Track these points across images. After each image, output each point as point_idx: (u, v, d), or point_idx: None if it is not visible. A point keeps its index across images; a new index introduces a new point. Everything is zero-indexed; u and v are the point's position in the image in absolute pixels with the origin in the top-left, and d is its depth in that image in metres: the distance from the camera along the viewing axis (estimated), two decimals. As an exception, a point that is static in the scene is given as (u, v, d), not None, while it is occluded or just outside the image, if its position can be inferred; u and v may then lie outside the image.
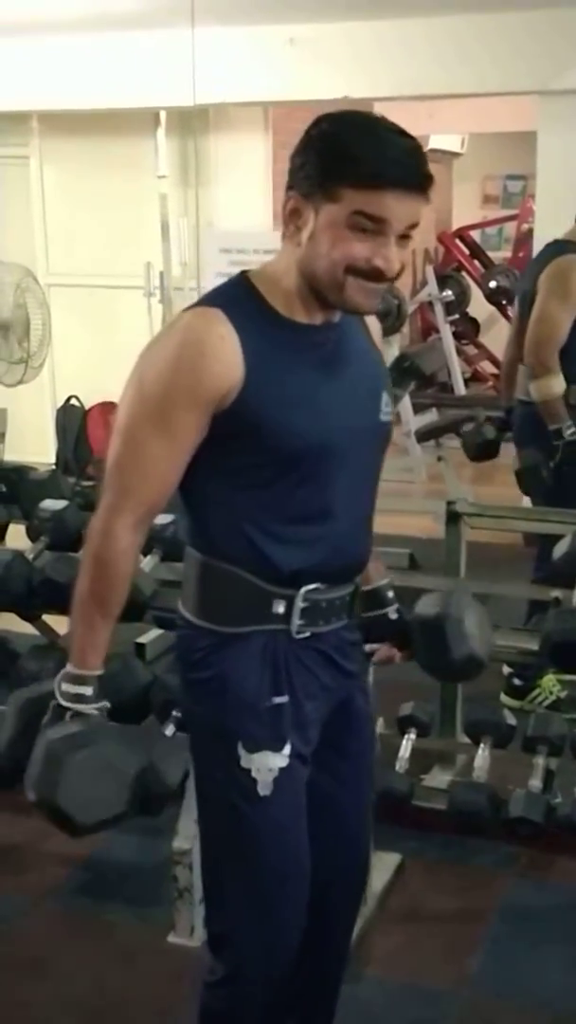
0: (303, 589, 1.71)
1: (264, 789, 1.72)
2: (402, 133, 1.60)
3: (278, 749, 1.72)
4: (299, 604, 1.71)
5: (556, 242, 3.83)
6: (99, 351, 6.74)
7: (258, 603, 1.71)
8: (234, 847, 1.76)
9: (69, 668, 1.73)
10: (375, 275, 1.61)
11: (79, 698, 1.73)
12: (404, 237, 1.62)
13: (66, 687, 1.73)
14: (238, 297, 1.67)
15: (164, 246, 6.35)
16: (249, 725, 1.71)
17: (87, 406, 6.97)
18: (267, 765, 1.72)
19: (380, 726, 2.97)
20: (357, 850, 1.98)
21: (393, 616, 2.00)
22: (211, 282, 4.94)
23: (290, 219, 1.63)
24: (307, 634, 1.74)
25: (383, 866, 2.92)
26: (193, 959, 2.62)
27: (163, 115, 6.36)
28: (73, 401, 7.00)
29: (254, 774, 1.71)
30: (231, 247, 5.20)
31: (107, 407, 6.89)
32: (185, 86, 5.16)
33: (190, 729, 1.86)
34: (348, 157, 1.56)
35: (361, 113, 1.65)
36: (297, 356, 1.68)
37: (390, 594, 2.00)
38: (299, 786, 1.77)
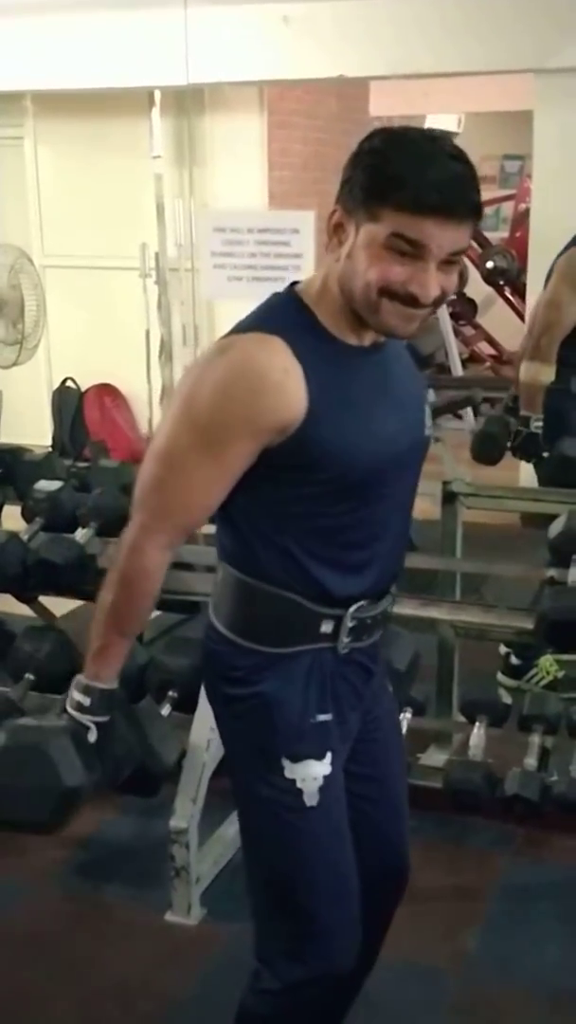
0: (351, 609, 1.70)
1: (311, 799, 1.70)
2: (455, 157, 1.54)
3: (321, 757, 1.72)
4: (348, 624, 1.71)
5: None
6: (95, 333, 6.72)
7: (307, 624, 1.69)
8: (285, 861, 1.74)
9: (79, 676, 1.75)
10: (410, 300, 1.56)
11: (79, 707, 1.75)
12: (449, 263, 1.56)
13: (72, 692, 1.76)
14: (294, 319, 1.62)
15: (159, 227, 6.32)
16: (292, 742, 1.70)
17: (83, 388, 6.95)
18: (312, 774, 1.70)
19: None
20: (394, 847, 1.96)
21: None
22: (204, 262, 4.92)
23: (334, 233, 1.60)
24: (349, 650, 1.73)
25: (380, 845, 2.92)
26: (190, 937, 2.64)
27: (158, 95, 6.32)
28: (69, 383, 6.99)
29: (299, 784, 1.70)
30: (225, 226, 5.17)
31: (103, 389, 6.88)
32: (179, 66, 5.14)
33: (228, 745, 1.82)
34: (392, 178, 1.51)
35: (416, 132, 1.60)
36: (354, 381, 1.64)
37: None
38: (341, 793, 1.77)
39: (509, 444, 3.70)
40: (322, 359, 1.59)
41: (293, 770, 1.69)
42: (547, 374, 3.62)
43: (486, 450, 3.80)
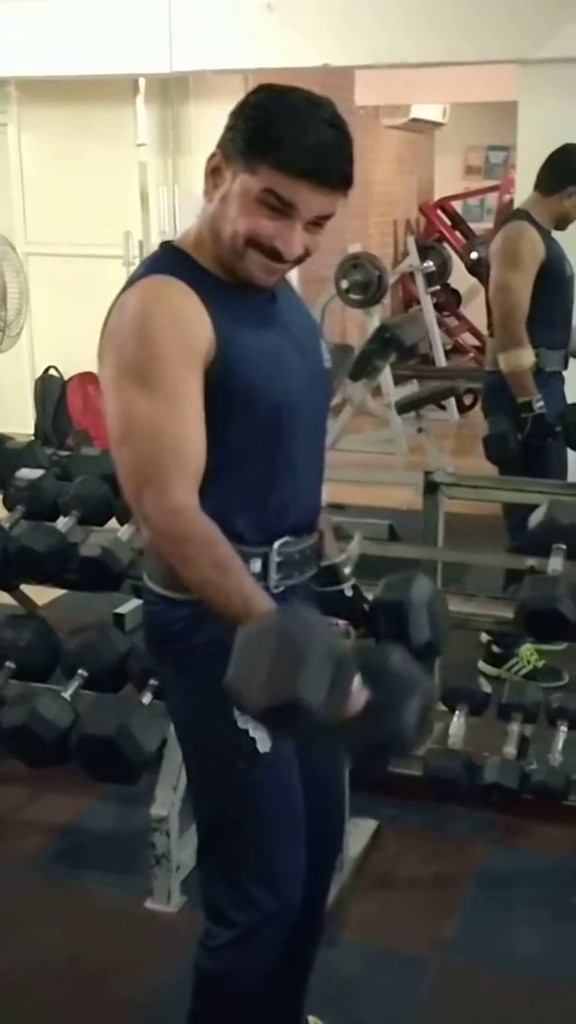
0: (276, 544, 1.73)
1: (263, 745, 1.72)
2: (333, 124, 1.59)
3: None
4: (274, 559, 1.73)
5: (509, 212, 3.82)
6: (78, 321, 6.64)
7: None
8: (245, 808, 1.77)
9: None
10: (274, 254, 1.62)
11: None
12: (316, 224, 1.63)
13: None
14: (180, 265, 1.66)
15: (144, 215, 6.31)
16: None
17: (66, 376, 6.94)
18: None
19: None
20: (331, 807, 2.00)
21: (348, 593, 1.97)
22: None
23: (211, 176, 1.65)
24: (283, 588, 1.75)
25: (359, 833, 2.94)
26: (171, 924, 2.65)
27: (142, 83, 6.30)
28: (52, 371, 6.97)
29: (252, 733, 1.71)
30: (208, 215, 5.18)
31: (86, 377, 6.86)
32: (163, 53, 5.12)
33: (176, 703, 1.84)
34: (272, 137, 1.57)
35: (301, 94, 1.62)
36: (245, 315, 1.67)
37: (346, 571, 1.99)
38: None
39: (520, 436, 3.66)
40: (211, 295, 1.63)
41: (245, 720, 1.70)
42: (527, 356, 3.61)
43: (502, 449, 3.71)
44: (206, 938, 1.85)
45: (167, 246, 1.73)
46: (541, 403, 3.60)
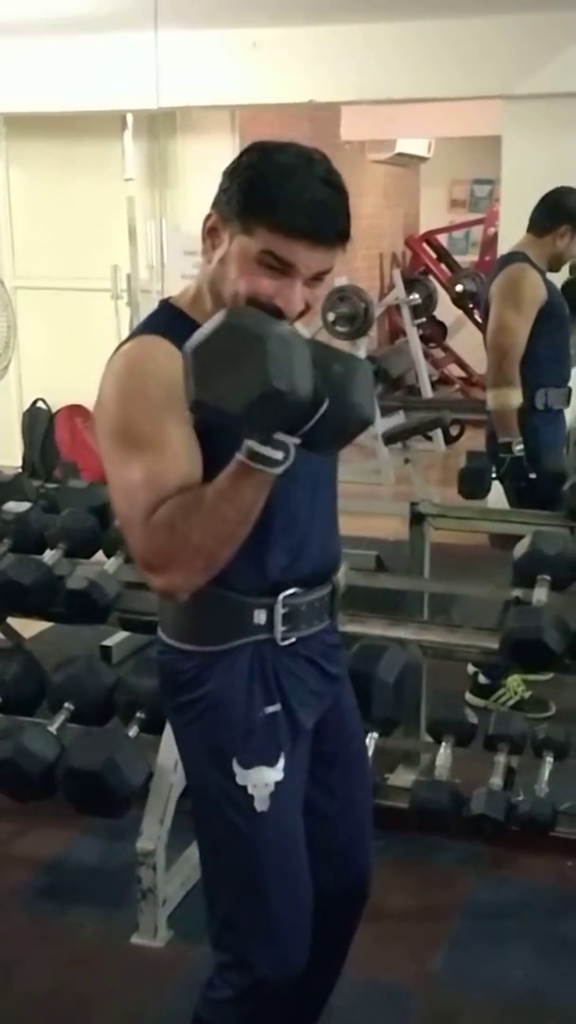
0: (281, 595, 1.72)
1: (261, 805, 1.72)
2: (328, 181, 1.60)
3: (273, 763, 1.73)
4: (279, 611, 1.72)
5: (507, 254, 3.89)
6: (66, 354, 6.71)
7: (239, 616, 1.71)
8: (237, 866, 1.76)
9: (259, 467, 1.50)
10: (276, 312, 1.61)
11: (283, 448, 1.51)
12: (316, 279, 1.64)
13: (265, 452, 1.49)
14: (171, 323, 1.67)
15: (131, 248, 6.34)
16: (244, 740, 1.72)
17: (54, 409, 6.95)
18: (263, 780, 1.72)
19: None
20: (353, 865, 1.97)
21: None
22: (175, 284, 4.94)
23: (208, 236, 1.66)
24: (292, 640, 1.74)
25: (347, 865, 2.93)
26: (157, 959, 2.63)
27: (130, 118, 6.35)
28: (40, 404, 6.98)
29: (251, 790, 1.71)
30: (196, 250, 5.19)
31: (74, 410, 6.88)
32: (149, 89, 5.17)
33: (182, 753, 1.84)
34: (267, 199, 1.57)
35: (293, 151, 1.63)
36: None
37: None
38: (296, 800, 1.78)
39: (495, 474, 3.72)
40: None
41: (245, 776, 1.71)
42: (516, 397, 3.66)
43: (474, 485, 3.81)
44: (208, 986, 1.84)
45: (164, 304, 1.74)
46: (521, 446, 3.67)
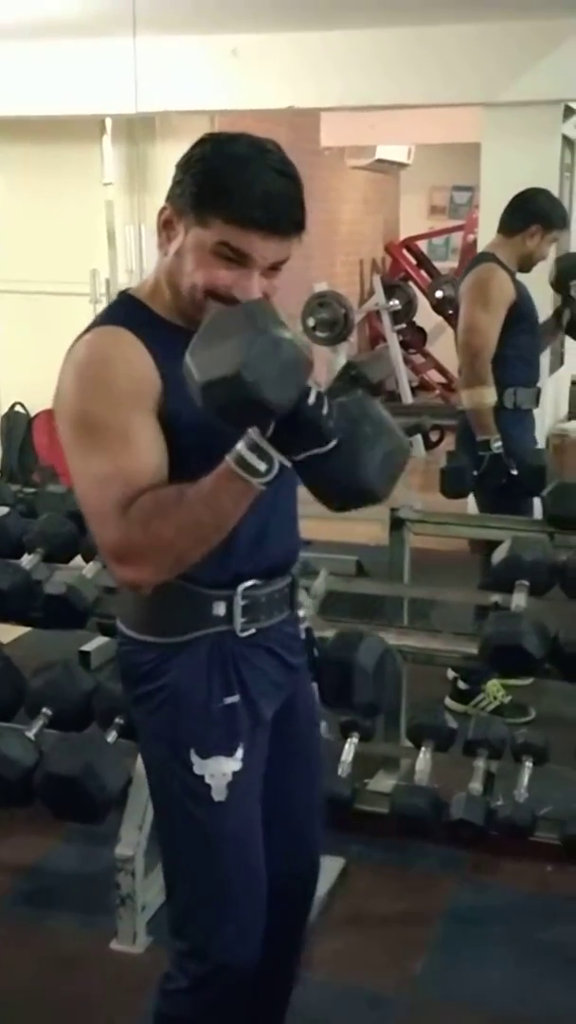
0: (240, 587, 1.72)
1: (218, 795, 1.72)
2: (282, 172, 1.61)
3: (231, 753, 1.73)
4: (239, 602, 1.73)
5: (477, 255, 3.91)
6: (45, 358, 6.63)
7: (199, 607, 1.72)
8: (194, 855, 1.77)
9: (248, 479, 1.51)
10: (232, 303, 1.62)
11: (267, 460, 1.52)
12: (273, 268, 1.65)
13: (253, 463, 1.51)
14: (130, 314, 1.68)
15: (110, 253, 6.34)
16: (202, 730, 1.72)
17: (32, 413, 6.93)
18: (220, 770, 1.73)
19: (324, 730, 2.98)
20: (304, 851, 1.99)
21: (301, 636, 1.91)
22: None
23: (163, 228, 1.66)
24: (252, 631, 1.74)
25: (327, 871, 2.90)
26: (136, 965, 2.62)
27: (109, 123, 6.35)
28: (18, 408, 6.96)
29: (208, 780, 1.72)
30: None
31: (52, 413, 6.84)
32: (128, 94, 5.16)
33: (142, 744, 1.85)
34: (222, 190, 1.58)
35: (246, 141, 1.63)
36: None
37: (300, 613, 1.92)
38: (254, 789, 1.79)
39: (476, 472, 3.73)
40: (162, 343, 1.64)
41: (203, 766, 1.72)
42: (490, 395, 3.69)
43: (456, 484, 3.81)
44: (164, 980, 1.85)
45: (123, 295, 1.75)
46: (499, 444, 3.68)
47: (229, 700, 1.73)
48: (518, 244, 3.75)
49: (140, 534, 1.57)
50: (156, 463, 1.61)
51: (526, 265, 3.80)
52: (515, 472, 3.69)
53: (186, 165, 1.63)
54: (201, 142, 1.65)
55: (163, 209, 1.66)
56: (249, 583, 1.73)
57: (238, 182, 1.58)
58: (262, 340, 1.44)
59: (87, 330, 1.69)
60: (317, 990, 2.51)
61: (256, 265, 1.62)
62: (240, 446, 1.51)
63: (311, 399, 1.54)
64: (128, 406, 1.60)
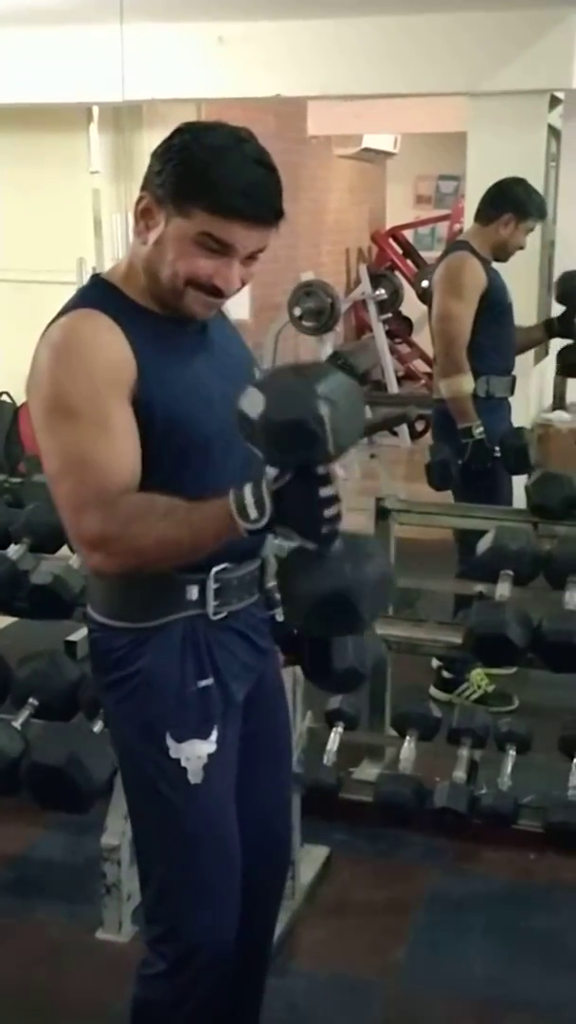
0: (213, 570, 1.73)
1: (194, 777, 1.74)
2: (260, 161, 1.63)
3: (206, 736, 1.75)
4: (211, 585, 1.74)
5: (451, 243, 3.91)
6: (31, 347, 6.62)
7: (172, 592, 1.73)
8: (170, 838, 1.78)
9: (236, 522, 1.53)
10: (214, 291, 1.66)
11: (261, 509, 1.53)
12: (251, 257, 1.67)
13: (250, 511, 1.53)
14: (105, 297, 1.69)
15: (97, 242, 6.32)
16: (177, 713, 1.73)
17: (18, 402, 6.91)
18: (196, 753, 1.74)
19: (308, 719, 2.99)
20: (274, 831, 2.00)
21: (279, 618, 1.93)
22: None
23: (141, 217, 1.67)
24: (223, 614, 1.76)
25: (311, 859, 2.94)
26: (122, 954, 2.63)
27: (95, 111, 6.32)
28: (4, 397, 6.94)
29: (183, 763, 1.73)
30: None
31: (38, 403, 6.84)
32: (115, 82, 5.14)
33: (114, 730, 1.86)
34: (203, 181, 1.60)
35: (224, 131, 1.65)
36: (171, 346, 1.70)
37: (277, 596, 1.97)
38: (228, 771, 1.80)
39: (460, 461, 3.74)
40: (136, 328, 1.65)
41: (178, 750, 1.73)
42: (468, 383, 3.71)
43: (442, 476, 3.81)
44: (141, 966, 1.87)
45: (96, 279, 1.76)
46: (481, 429, 3.70)
47: (203, 683, 1.74)
48: (492, 232, 3.77)
49: (118, 531, 1.59)
50: (131, 451, 1.63)
51: (501, 254, 3.81)
52: (498, 454, 3.70)
53: (166, 155, 1.64)
54: (179, 132, 1.66)
55: (141, 198, 1.66)
56: (221, 566, 1.73)
57: (220, 173, 1.59)
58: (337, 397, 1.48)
59: (61, 313, 1.69)
60: (300, 978, 2.53)
61: (237, 254, 1.64)
62: (247, 490, 1.52)
63: (279, 617, 1.75)
64: (106, 392, 1.61)
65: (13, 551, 3.08)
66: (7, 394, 6.93)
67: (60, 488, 1.65)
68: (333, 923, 2.79)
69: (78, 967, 2.63)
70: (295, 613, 1.61)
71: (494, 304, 3.74)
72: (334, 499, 1.54)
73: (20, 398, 6.89)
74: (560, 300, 4.39)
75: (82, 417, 1.61)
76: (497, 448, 3.71)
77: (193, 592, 1.73)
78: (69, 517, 1.65)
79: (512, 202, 3.76)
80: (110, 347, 1.62)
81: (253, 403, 1.49)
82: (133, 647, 1.73)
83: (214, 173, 1.59)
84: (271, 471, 1.53)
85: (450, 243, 3.99)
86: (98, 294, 1.71)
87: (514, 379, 3.91)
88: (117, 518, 1.59)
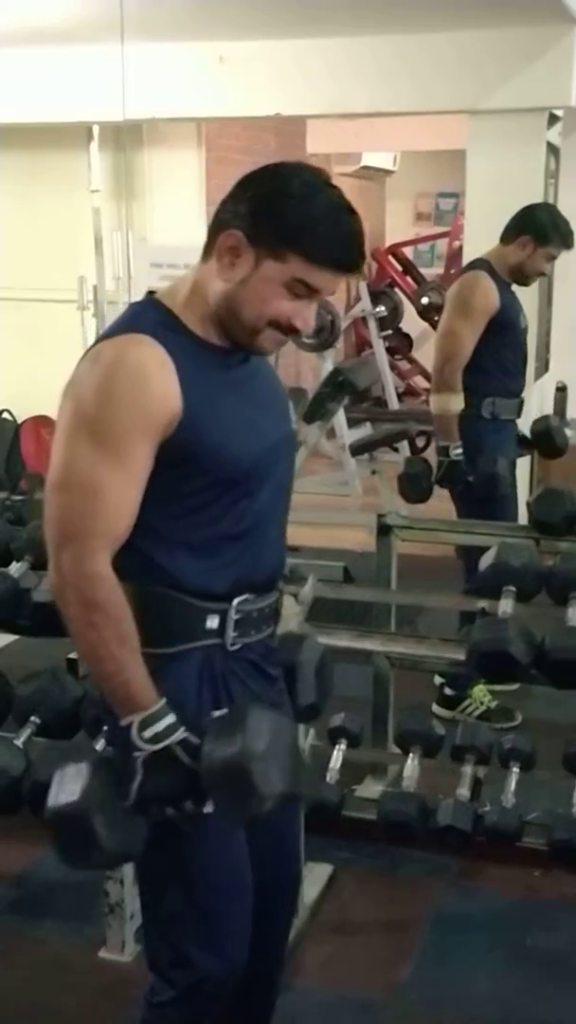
0: (235, 601, 1.73)
1: (208, 807, 1.71)
2: (350, 209, 1.66)
3: None
4: (232, 616, 1.74)
5: (472, 260, 3.91)
6: (32, 364, 6.68)
7: (192, 620, 1.72)
8: (181, 867, 1.76)
9: (138, 716, 1.63)
10: (290, 331, 1.68)
11: (170, 729, 1.64)
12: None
13: (150, 732, 1.63)
14: (159, 322, 1.68)
15: (97, 260, 6.34)
16: None
17: (19, 420, 6.92)
18: None
19: (311, 737, 2.99)
20: (288, 857, 2.00)
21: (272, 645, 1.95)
22: (142, 295, 4.93)
23: (227, 254, 1.65)
24: (239, 646, 1.76)
25: (315, 877, 2.93)
26: (125, 973, 2.62)
27: (96, 130, 6.35)
28: (5, 415, 6.96)
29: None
30: (162, 262, 5.20)
31: (39, 421, 6.85)
32: (115, 101, 5.16)
33: (122, 753, 1.78)
34: (305, 230, 1.61)
35: (310, 174, 1.66)
36: (221, 378, 1.71)
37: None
38: None
39: (434, 477, 3.77)
40: (190, 359, 1.65)
41: None
42: (456, 403, 3.69)
43: (413, 489, 3.91)
44: (150, 993, 1.84)
45: (153, 300, 1.73)
46: (459, 451, 3.71)
47: (218, 714, 1.72)
48: (510, 253, 3.73)
49: (72, 600, 1.62)
50: (135, 501, 1.64)
51: (519, 277, 3.77)
52: (471, 479, 3.71)
53: (260, 193, 1.64)
54: (273, 173, 1.67)
55: (228, 235, 1.64)
56: (243, 597, 1.74)
57: (317, 222, 1.61)
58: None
59: (115, 330, 1.68)
60: (305, 996, 2.52)
61: (319, 297, 1.67)
62: (158, 726, 1.63)
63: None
64: (137, 433, 1.61)
65: (15, 568, 3.08)
66: (8, 412, 6.94)
67: (54, 498, 1.65)
68: (337, 941, 2.78)
69: (80, 986, 2.62)
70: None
71: (505, 326, 3.71)
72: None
73: (21, 416, 6.90)
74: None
75: (107, 448, 1.60)
76: (471, 475, 3.71)
77: (214, 622, 1.73)
78: (53, 533, 1.64)
79: (532, 225, 3.71)
80: (157, 385, 1.61)
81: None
82: (149, 674, 1.71)
83: (314, 222, 1.61)
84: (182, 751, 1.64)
85: (472, 260, 3.94)
86: (154, 319, 1.68)
87: (522, 402, 3.91)
88: (93, 588, 1.60)
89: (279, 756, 1.59)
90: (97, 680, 1.66)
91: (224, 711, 1.66)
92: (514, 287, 3.80)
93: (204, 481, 1.67)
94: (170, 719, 1.64)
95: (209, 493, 1.68)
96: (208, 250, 1.68)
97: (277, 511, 1.81)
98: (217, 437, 1.66)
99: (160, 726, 1.63)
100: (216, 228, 1.67)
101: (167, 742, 1.63)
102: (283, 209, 1.62)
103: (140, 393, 1.61)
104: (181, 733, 1.64)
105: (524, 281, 3.82)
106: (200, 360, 1.67)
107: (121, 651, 1.62)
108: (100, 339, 1.69)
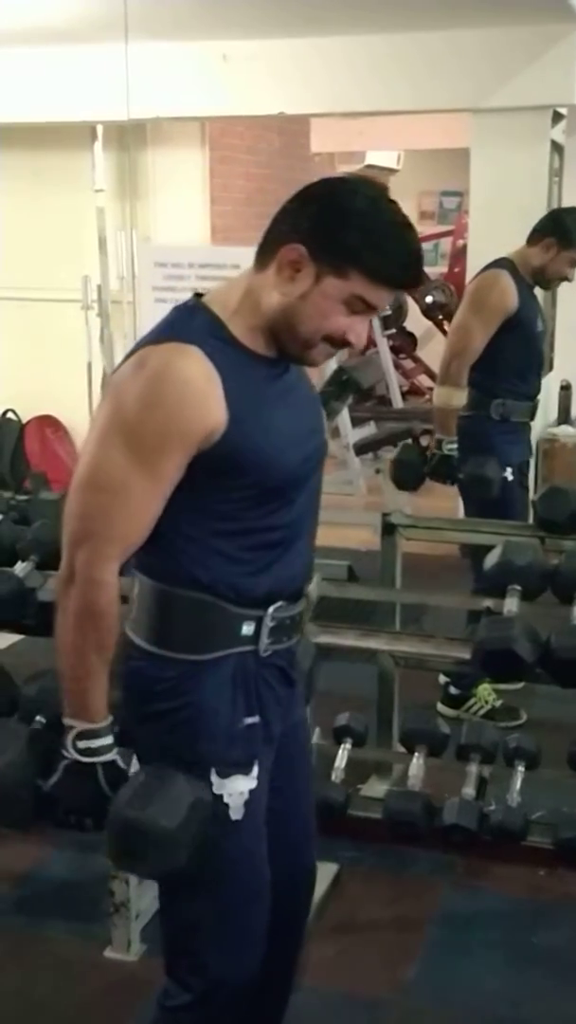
0: (271, 609, 1.73)
1: (236, 813, 1.73)
2: (409, 225, 1.66)
3: (248, 772, 1.74)
4: (268, 624, 1.74)
5: (497, 259, 3.85)
6: (36, 364, 6.70)
7: (228, 627, 1.72)
8: (207, 873, 1.74)
9: (80, 724, 1.68)
10: (344, 345, 1.69)
11: (103, 750, 1.69)
12: None
13: (84, 744, 1.69)
14: (206, 330, 1.66)
15: (102, 259, 6.33)
16: (223, 750, 1.72)
17: (24, 419, 6.93)
18: (238, 789, 1.73)
19: (316, 736, 2.99)
20: (301, 859, 1.99)
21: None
22: (145, 296, 4.94)
23: (287, 267, 1.64)
24: (270, 652, 1.76)
25: (320, 876, 2.89)
26: (130, 973, 2.62)
27: (100, 129, 6.35)
28: (9, 415, 6.96)
29: (226, 799, 1.72)
30: (166, 261, 5.20)
31: (44, 421, 6.86)
32: (119, 101, 5.16)
33: (149, 760, 1.80)
34: (368, 250, 1.60)
35: (372, 189, 1.67)
36: (265, 388, 1.70)
37: None
38: (263, 805, 1.79)
39: (425, 468, 3.77)
40: (235, 368, 1.64)
41: (221, 785, 1.72)
42: (459, 398, 3.68)
43: (402, 476, 3.92)
44: (163, 996, 1.84)
45: (201, 305, 1.70)
46: (453, 447, 3.69)
47: (250, 720, 1.74)
48: (533, 254, 3.67)
49: (73, 598, 1.64)
50: (156, 513, 1.65)
51: (540, 279, 3.73)
52: (461, 476, 3.70)
53: (328, 209, 1.63)
54: (334, 190, 1.67)
55: (291, 248, 1.62)
56: (278, 604, 1.74)
57: (390, 244, 1.62)
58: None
59: (163, 336, 1.65)
60: (309, 996, 2.50)
61: (374, 313, 1.68)
62: (90, 743, 1.69)
63: None
64: (174, 446, 1.61)
65: (20, 568, 3.08)
66: (12, 411, 6.95)
67: (79, 495, 1.65)
68: (342, 940, 2.78)
69: (86, 986, 2.62)
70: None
71: (521, 327, 3.67)
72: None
73: (25, 415, 6.91)
74: None
75: (139, 456, 1.60)
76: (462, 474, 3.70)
77: (249, 628, 1.73)
78: (71, 529, 1.65)
79: (557, 228, 3.66)
80: (200, 401, 1.60)
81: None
82: (183, 679, 1.71)
83: (380, 241, 1.61)
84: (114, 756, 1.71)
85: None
86: (201, 327, 1.66)
87: (536, 405, 3.88)
88: (96, 594, 1.63)
89: (182, 835, 1.63)
90: (61, 674, 1.69)
91: (155, 768, 1.70)
92: (536, 290, 3.77)
93: (247, 490, 1.67)
94: (107, 740, 1.69)
95: (250, 501, 1.68)
96: (264, 260, 1.67)
97: (309, 519, 1.81)
98: (263, 448, 1.66)
99: (96, 743, 1.69)
100: (276, 240, 1.65)
101: (95, 759, 1.69)
102: (346, 227, 1.61)
103: (181, 408, 1.60)
104: (111, 756, 1.70)
105: (546, 284, 3.80)
106: (246, 371, 1.66)
107: (97, 659, 1.66)
108: (146, 342, 1.66)
